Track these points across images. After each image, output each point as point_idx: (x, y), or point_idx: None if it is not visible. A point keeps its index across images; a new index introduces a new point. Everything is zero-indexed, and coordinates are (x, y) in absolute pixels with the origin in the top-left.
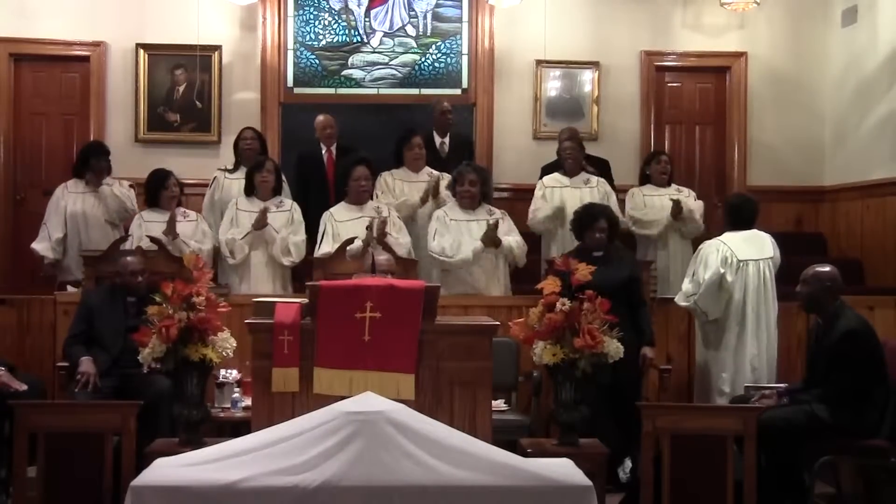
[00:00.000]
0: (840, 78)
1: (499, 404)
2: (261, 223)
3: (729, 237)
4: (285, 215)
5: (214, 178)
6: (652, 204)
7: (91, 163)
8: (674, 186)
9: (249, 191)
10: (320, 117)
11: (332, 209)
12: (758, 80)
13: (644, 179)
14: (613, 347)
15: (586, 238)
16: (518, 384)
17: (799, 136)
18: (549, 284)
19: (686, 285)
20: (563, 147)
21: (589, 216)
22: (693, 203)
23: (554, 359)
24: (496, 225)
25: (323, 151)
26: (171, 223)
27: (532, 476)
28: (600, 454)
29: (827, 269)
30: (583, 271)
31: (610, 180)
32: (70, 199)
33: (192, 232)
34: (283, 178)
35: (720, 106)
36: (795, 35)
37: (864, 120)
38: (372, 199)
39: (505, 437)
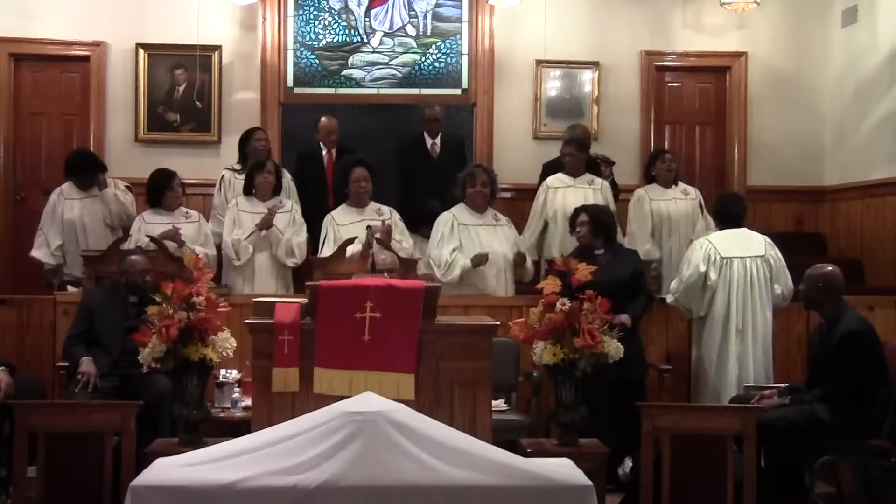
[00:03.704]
0: (840, 78)
1: (499, 404)
2: (267, 223)
3: (715, 235)
4: (286, 216)
5: (222, 177)
6: (659, 212)
7: (73, 179)
8: (680, 186)
9: (249, 190)
10: (324, 120)
11: (333, 212)
12: (758, 80)
13: (649, 179)
14: (613, 347)
15: (574, 235)
16: (518, 384)
17: (799, 136)
18: (549, 284)
19: (673, 283)
20: (563, 151)
21: (573, 215)
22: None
23: (554, 359)
24: (486, 258)
25: (323, 153)
26: (175, 236)
27: (532, 476)
28: (600, 454)
29: (825, 269)
30: (583, 271)
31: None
32: (66, 205)
33: (195, 235)
34: (290, 178)
35: (720, 106)
36: (795, 35)
37: (864, 120)
38: (372, 200)
39: (505, 437)
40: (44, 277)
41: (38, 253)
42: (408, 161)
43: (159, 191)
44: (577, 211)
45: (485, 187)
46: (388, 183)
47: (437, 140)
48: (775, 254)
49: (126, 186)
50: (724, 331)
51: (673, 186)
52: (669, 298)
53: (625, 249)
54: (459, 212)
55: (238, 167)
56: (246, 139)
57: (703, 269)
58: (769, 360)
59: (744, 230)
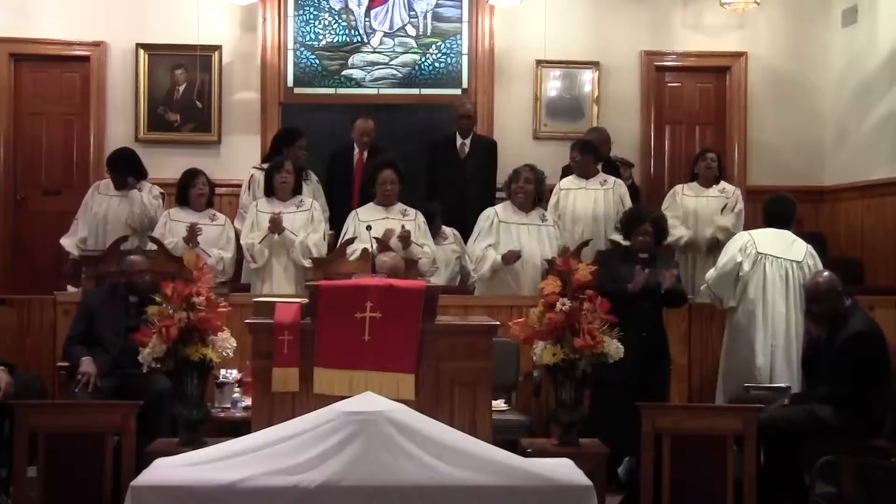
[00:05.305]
0: (840, 78)
1: (499, 404)
2: (277, 228)
3: (756, 231)
4: (305, 214)
5: (251, 175)
6: (685, 206)
7: (109, 175)
8: (721, 185)
9: (269, 191)
10: (360, 121)
11: (358, 209)
12: (758, 80)
13: (693, 177)
14: (613, 347)
15: (632, 240)
16: (518, 384)
17: (799, 136)
18: (549, 284)
19: (710, 272)
20: (570, 155)
21: (635, 219)
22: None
23: (554, 359)
24: (517, 255)
25: (355, 153)
26: (192, 234)
27: (532, 476)
28: (600, 454)
29: (829, 277)
30: (583, 271)
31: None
32: (97, 200)
33: (217, 237)
34: (317, 178)
35: (720, 106)
36: (795, 35)
37: (864, 120)
38: (398, 201)
39: (505, 437)
40: (64, 269)
41: (65, 241)
42: (435, 160)
43: (184, 189)
44: (641, 218)
45: (528, 184)
46: (411, 181)
47: (468, 141)
48: (814, 264)
49: (160, 193)
50: (753, 325)
51: (714, 186)
52: (703, 286)
53: (665, 256)
54: (503, 209)
55: (266, 166)
56: (288, 142)
57: (738, 259)
58: (794, 362)
59: (788, 233)
